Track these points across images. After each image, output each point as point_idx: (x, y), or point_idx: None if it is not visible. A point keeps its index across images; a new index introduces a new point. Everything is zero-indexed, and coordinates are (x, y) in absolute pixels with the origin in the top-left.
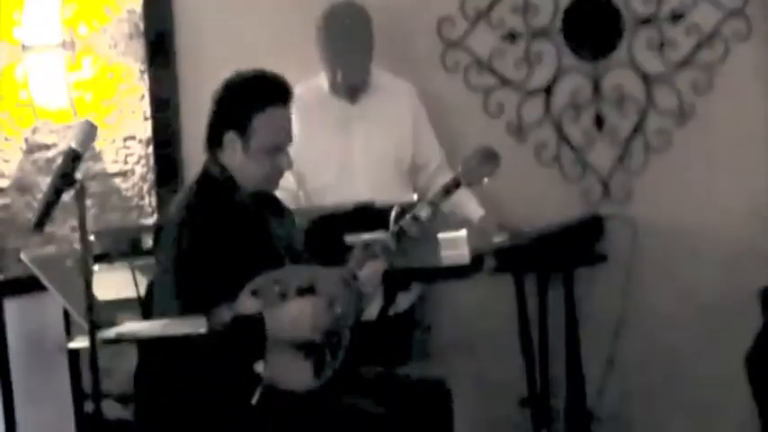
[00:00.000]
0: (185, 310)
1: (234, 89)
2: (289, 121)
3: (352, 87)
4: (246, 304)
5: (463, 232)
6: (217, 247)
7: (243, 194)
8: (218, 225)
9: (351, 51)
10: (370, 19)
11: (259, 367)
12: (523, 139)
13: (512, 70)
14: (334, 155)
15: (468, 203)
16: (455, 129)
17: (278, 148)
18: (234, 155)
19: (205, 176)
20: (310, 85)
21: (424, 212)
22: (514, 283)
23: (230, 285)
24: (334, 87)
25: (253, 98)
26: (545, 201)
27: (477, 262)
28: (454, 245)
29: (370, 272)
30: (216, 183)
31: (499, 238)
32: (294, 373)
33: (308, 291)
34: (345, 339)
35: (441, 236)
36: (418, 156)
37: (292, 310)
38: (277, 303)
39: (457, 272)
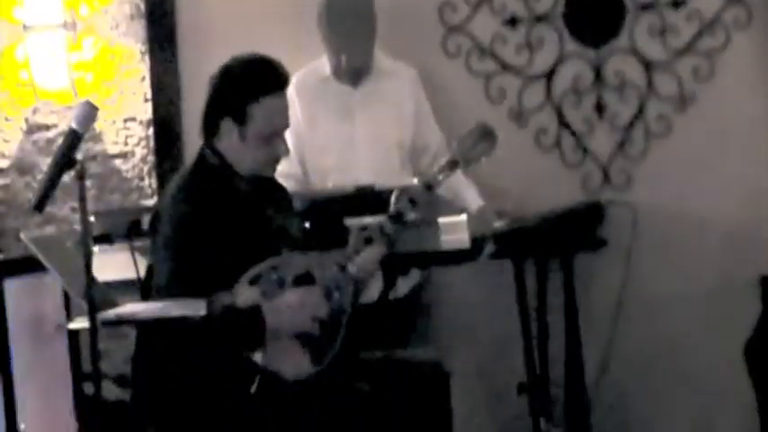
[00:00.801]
0: (182, 295)
1: (231, 77)
2: (285, 107)
3: (354, 71)
4: (245, 293)
5: (463, 217)
6: (214, 233)
7: (240, 181)
8: (215, 211)
9: (353, 35)
10: (372, 2)
11: (257, 356)
12: (524, 124)
13: (513, 55)
14: (336, 139)
15: (467, 193)
16: (456, 114)
17: (275, 135)
18: (230, 142)
19: (201, 162)
20: (312, 69)
21: (420, 195)
22: (514, 268)
23: (227, 271)
24: (337, 71)
25: (249, 86)
26: (545, 186)
27: (476, 247)
28: (454, 229)
29: (367, 257)
30: (212, 169)
31: (499, 225)
32: (292, 362)
33: (305, 278)
34: (343, 326)
35: (441, 220)
36: (419, 140)
37: (290, 303)
38: (275, 291)
39: (457, 256)
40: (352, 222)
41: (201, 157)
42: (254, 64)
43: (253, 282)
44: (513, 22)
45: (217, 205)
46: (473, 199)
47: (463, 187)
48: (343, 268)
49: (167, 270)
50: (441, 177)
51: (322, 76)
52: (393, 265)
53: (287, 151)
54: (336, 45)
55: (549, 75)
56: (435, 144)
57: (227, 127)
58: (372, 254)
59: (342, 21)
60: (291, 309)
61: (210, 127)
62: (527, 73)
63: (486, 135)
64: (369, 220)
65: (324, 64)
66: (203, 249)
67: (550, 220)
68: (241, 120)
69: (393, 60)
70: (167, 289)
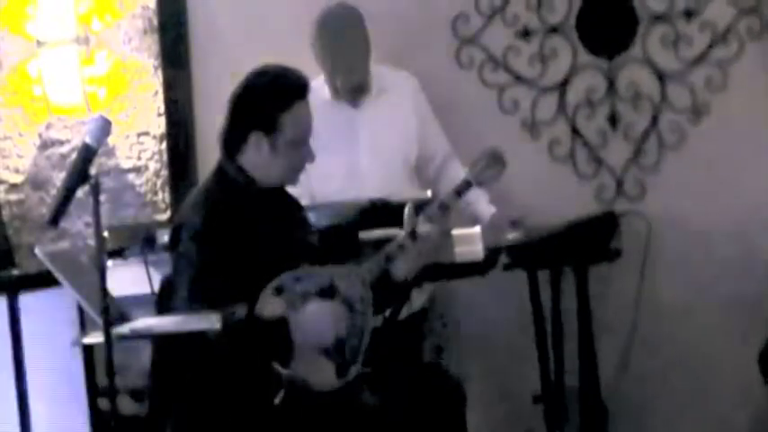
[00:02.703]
0: (201, 307)
1: (256, 89)
2: (310, 113)
3: (353, 90)
4: (270, 303)
5: (477, 229)
6: (234, 246)
7: (259, 195)
8: (235, 224)
9: (347, 55)
10: (362, 18)
11: (279, 367)
12: (537, 136)
13: (526, 67)
14: (341, 160)
15: (479, 201)
16: (469, 125)
17: (303, 142)
18: (258, 154)
19: (221, 176)
20: (313, 91)
21: (436, 216)
22: (528, 279)
23: (247, 284)
24: (336, 93)
25: (278, 97)
26: (558, 198)
27: (491, 258)
28: (468, 241)
29: (402, 265)
30: (233, 182)
31: (512, 235)
32: (318, 374)
33: (329, 291)
34: (366, 338)
35: (455, 232)
36: (424, 149)
37: (314, 316)
38: (299, 302)
39: (471, 268)
40: (367, 236)
41: (221, 171)
42: (277, 74)
43: (277, 292)
44: (525, 33)
45: (237, 218)
46: (485, 207)
47: (475, 196)
48: (364, 282)
49: (187, 282)
50: (456, 199)
51: (323, 98)
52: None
53: (313, 157)
54: (331, 68)
55: (563, 86)
56: (441, 151)
57: (256, 139)
58: (408, 262)
59: (333, 43)
60: (315, 320)
61: (236, 142)
62: (540, 84)
63: (497, 160)
64: (383, 232)
65: (321, 87)
66: (223, 261)
67: (565, 231)
68: (272, 130)
69: (391, 70)
70: (187, 301)
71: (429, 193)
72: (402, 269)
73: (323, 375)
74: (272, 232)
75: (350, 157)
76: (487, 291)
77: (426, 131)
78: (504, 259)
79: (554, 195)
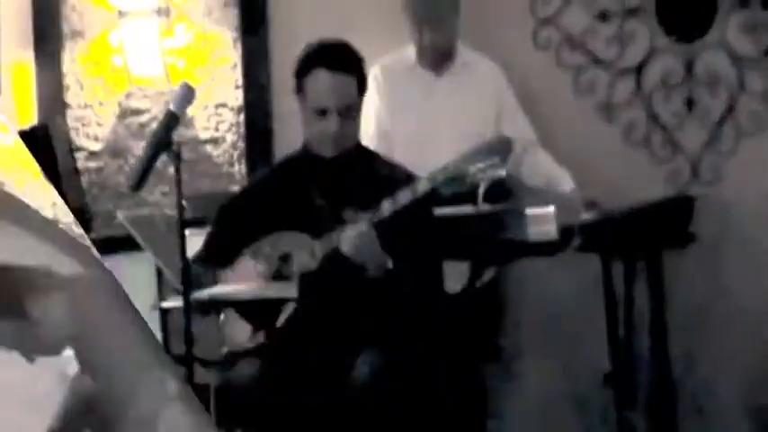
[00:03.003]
0: (201, 258)
1: (304, 49)
2: (334, 86)
3: (438, 55)
4: (242, 264)
5: (551, 208)
6: (248, 210)
7: (310, 161)
8: (260, 191)
9: (438, 10)
10: None
11: None
12: (613, 118)
13: (603, 49)
14: (419, 126)
15: (561, 177)
16: (544, 106)
17: (323, 111)
18: (302, 119)
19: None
20: (398, 57)
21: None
22: (601, 261)
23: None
24: (421, 54)
25: (302, 61)
26: (633, 181)
27: (564, 239)
28: (542, 220)
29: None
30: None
31: (588, 216)
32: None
33: (284, 257)
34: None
35: (528, 211)
36: (506, 132)
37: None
38: (273, 265)
39: (543, 248)
40: (441, 212)
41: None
42: (318, 42)
43: (253, 254)
44: (604, 16)
45: (267, 184)
46: (566, 182)
47: (556, 173)
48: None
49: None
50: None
51: (407, 63)
52: (479, 255)
53: (333, 130)
54: (419, 23)
55: (639, 69)
56: (525, 134)
57: (297, 97)
58: (353, 232)
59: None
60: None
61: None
62: (617, 67)
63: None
64: (456, 209)
65: (409, 52)
66: (233, 222)
67: (640, 213)
68: (300, 93)
69: (479, 55)
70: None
71: (503, 171)
72: (349, 247)
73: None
74: (288, 201)
75: (427, 123)
76: (559, 271)
77: (506, 117)
78: (577, 240)
79: (628, 178)
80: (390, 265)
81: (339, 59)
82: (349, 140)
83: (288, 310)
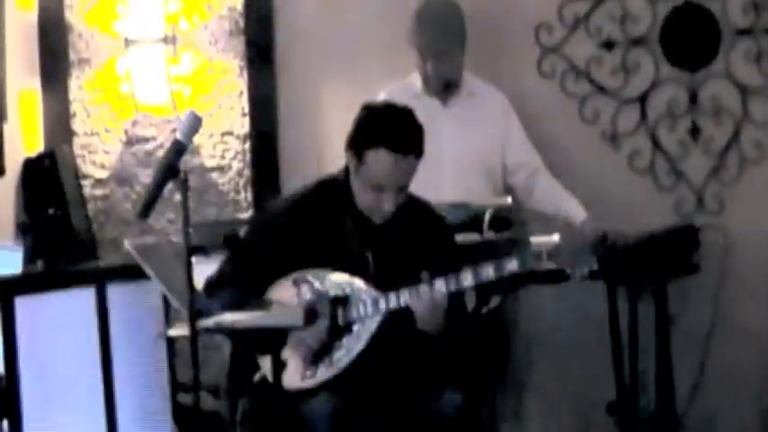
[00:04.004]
0: (215, 287)
1: (368, 116)
2: (397, 168)
3: (443, 85)
4: (282, 291)
5: (556, 237)
6: (277, 244)
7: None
8: (288, 220)
9: (444, 43)
10: (463, 14)
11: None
12: (618, 146)
13: (608, 78)
14: (425, 155)
15: (570, 205)
16: (550, 135)
17: (380, 188)
18: (352, 173)
19: (330, 176)
20: (403, 86)
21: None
22: (607, 289)
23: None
24: (427, 84)
25: (372, 133)
26: (637, 209)
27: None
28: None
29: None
30: (334, 182)
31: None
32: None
33: (342, 299)
34: (339, 352)
35: (534, 240)
36: (512, 160)
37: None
38: (309, 297)
39: (548, 277)
40: None
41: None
42: (390, 116)
43: (294, 283)
44: (609, 45)
45: (297, 215)
46: (577, 211)
47: (566, 200)
48: (376, 302)
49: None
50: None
51: (412, 91)
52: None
53: (389, 207)
54: (426, 53)
55: (644, 98)
56: (532, 162)
57: (349, 158)
58: (427, 297)
59: (432, 29)
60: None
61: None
62: (622, 96)
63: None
64: (462, 237)
65: (415, 81)
66: (258, 255)
67: (645, 243)
68: (358, 159)
69: (484, 84)
70: (208, 280)
71: (509, 199)
72: (422, 311)
73: (288, 375)
74: (323, 236)
75: (432, 152)
76: (564, 298)
77: (513, 143)
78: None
79: (632, 207)
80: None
81: (405, 140)
82: (398, 208)
83: (350, 353)
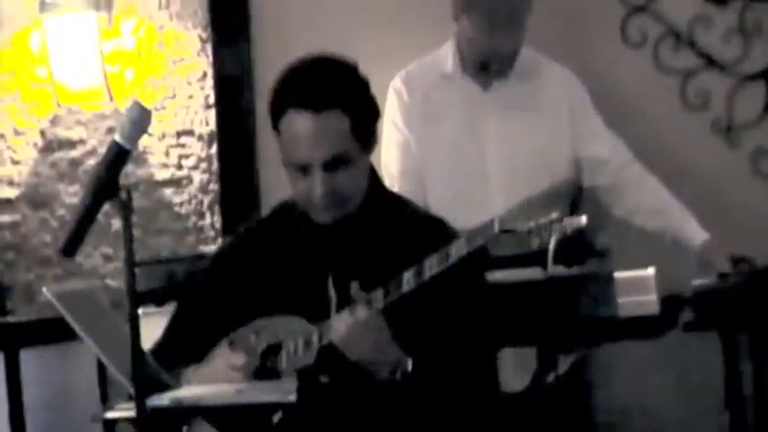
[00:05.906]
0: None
1: (275, 81)
2: (316, 131)
3: (497, 61)
4: (220, 355)
5: (651, 270)
6: (232, 288)
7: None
8: (242, 247)
9: (512, 7)
10: None
11: None
12: (736, 141)
13: (720, 46)
14: (462, 156)
15: (687, 224)
16: (639, 125)
17: (304, 168)
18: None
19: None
20: (428, 64)
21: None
22: (721, 341)
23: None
24: (464, 65)
25: (277, 97)
26: (762, 225)
27: (670, 313)
28: (637, 287)
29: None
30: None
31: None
32: None
33: (275, 347)
34: None
35: (618, 275)
36: (588, 155)
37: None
38: (253, 355)
39: (640, 328)
40: (502, 276)
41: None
42: (293, 67)
43: (231, 344)
44: None
45: (254, 243)
46: (695, 231)
47: (681, 216)
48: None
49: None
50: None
51: (442, 73)
52: (551, 341)
53: (317, 192)
54: (491, 21)
55: None
56: (618, 156)
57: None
58: (346, 319)
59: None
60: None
61: None
62: (740, 70)
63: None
64: (514, 274)
65: (442, 59)
66: (205, 300)
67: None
68: (278, 138)
69: (540, 57)
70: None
71: (584, 219)
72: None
73: None
74: (275, 281)
75: (473, 152)
76: (654, 351)
77: (585, 131)
78: (687, 315)
79: (760, 221)
80: (409, 366)
81: (312, 91)
82: (347, 202)
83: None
